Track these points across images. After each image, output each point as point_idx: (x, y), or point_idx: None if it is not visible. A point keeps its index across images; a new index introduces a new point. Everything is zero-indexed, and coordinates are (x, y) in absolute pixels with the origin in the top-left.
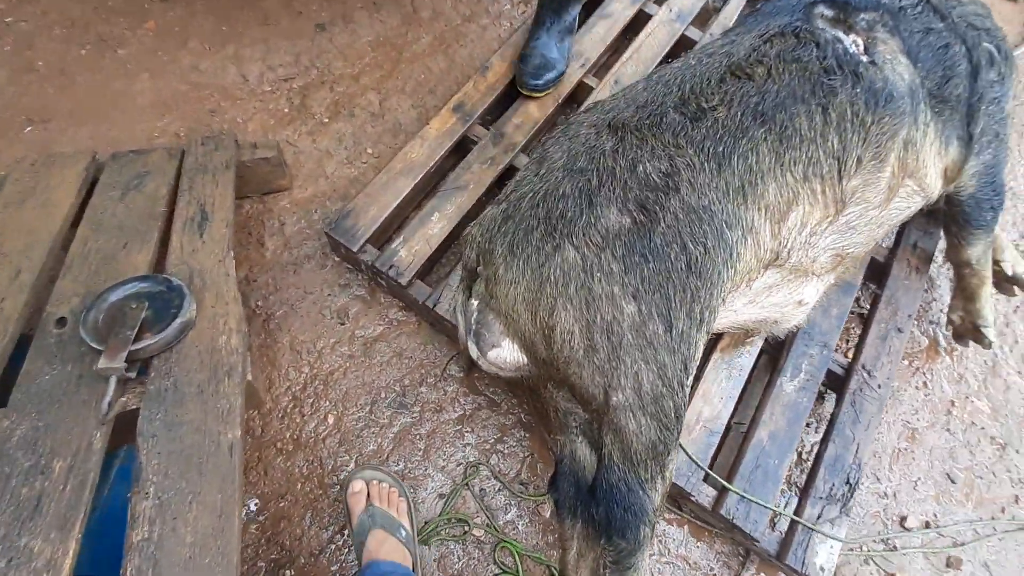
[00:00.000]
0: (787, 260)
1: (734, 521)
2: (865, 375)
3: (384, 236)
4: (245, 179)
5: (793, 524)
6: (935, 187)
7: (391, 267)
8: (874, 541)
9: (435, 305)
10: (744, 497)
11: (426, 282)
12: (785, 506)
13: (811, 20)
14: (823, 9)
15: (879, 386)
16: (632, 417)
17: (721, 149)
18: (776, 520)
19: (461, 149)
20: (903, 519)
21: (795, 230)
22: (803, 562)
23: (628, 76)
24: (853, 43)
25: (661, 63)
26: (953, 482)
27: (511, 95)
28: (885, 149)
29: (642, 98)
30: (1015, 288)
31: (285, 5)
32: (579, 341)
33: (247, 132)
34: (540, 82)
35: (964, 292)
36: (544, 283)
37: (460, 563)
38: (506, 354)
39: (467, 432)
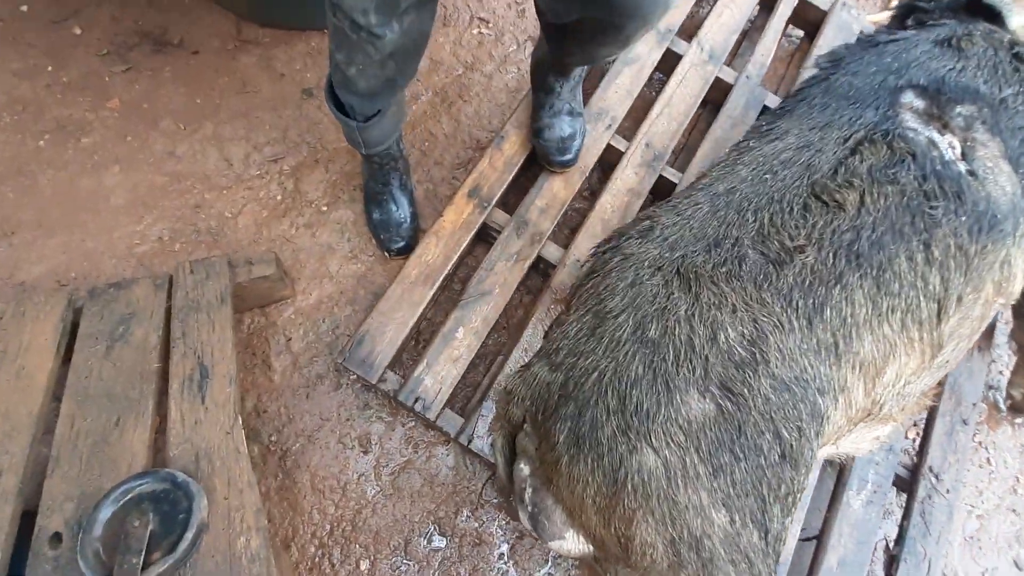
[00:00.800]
0: (879, 414)
1: None
2: (933, 479)
3: (404, 358)
4: (243, 297)
5: None
6: (1018, 292)
7: (416, 400)
8: None
9: (469, 442)
10: None
11: (456, 410)
12: None
13: (899, 114)
14: (912, 99)
15: (947, 491)
16: None
17: (812, 302)
18: None
19: (481, 239)
20: None
21: (890, 385)
22: None
23: (660, 135)
24: (950, 147)
25: (696, 115)
26: (1020, 569)
27: (531, 168)
28: (984, 280)
29: (712, 229)
30: None
31: (264, 67)
32: (662, 555)
33: (237, 229)
34: (570, 156)
35: None
36: (620, 491)
37: None
38: (570, 546)
39: (511, 566)
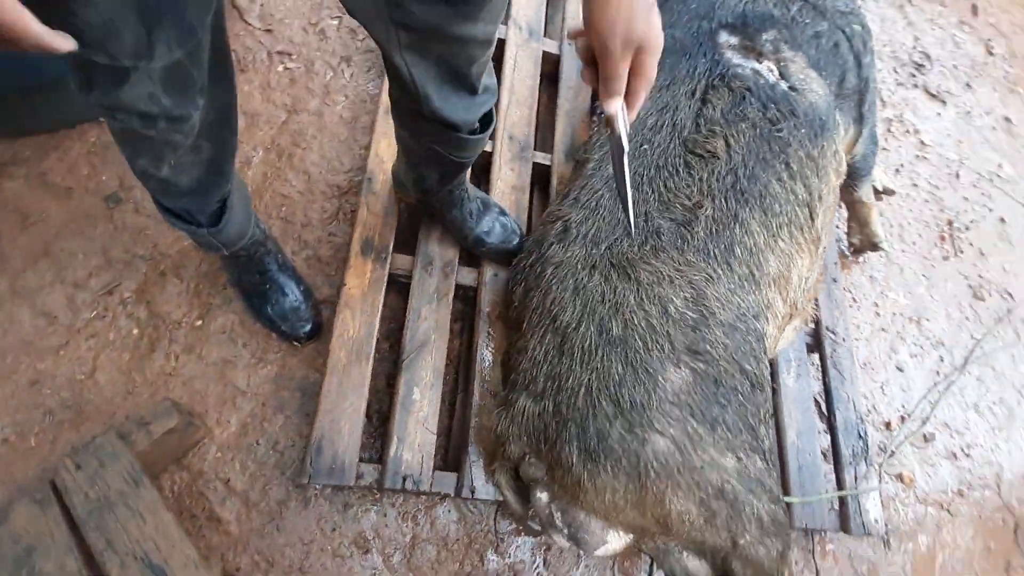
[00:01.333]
0: (796, 312)
1: (808, 528)
2: (832, 335)
3: (369, 443)
4: (152, 462)
5: (843, 499)
6: (846, 168)
7: (405, 479)
8: (879, 461)
9: (474, 493)
10: (808, 502)
11: (444, 469)
12: (829, 489)
13: (723, 55)
14: (727, 37)
15: (843, 339)
16: (761, 545)
17: (723, 247)
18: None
19: (393, 290)
20: (887, 424)
21: (797, 286)
22: (864, 525)
23: (517, 125)
24: (769, 72)
25: (539, 94)
26: (902, 371)
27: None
28: (828, 171)
29: (606, 206)
30: (884, 196)
31: (40, 187)
32: (697, 516)
33: (101, 389)
34: (515, 242)
35: (859, 220)
36: (645, 480)
37: None
38: (615, 546)
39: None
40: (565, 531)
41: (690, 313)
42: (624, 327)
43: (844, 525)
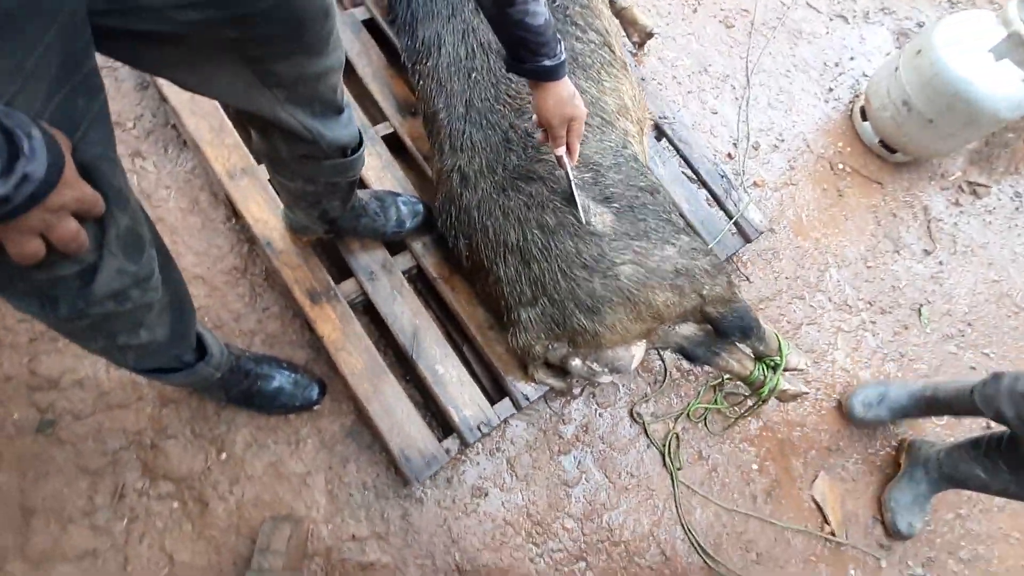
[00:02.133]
0: (643, 125)
1: (728, 255)
2: (665, 120)
3: (436, 424)
4: (292, 568)
5: (736, 223)
6: None
7: (480, 427)
8: (739, 183)
9: (528, 398)
10: (719, 239)
11: (497, 401)
12: (724, 223)
13: None
14: None
15: (673, 117)
16: (716, 286)
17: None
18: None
19: (360, 312)
20: (729, 155)
21: (633, 105)
22: (756, 229)
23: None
24: None
25: None
26: (716, 113)
27: None
28: (599, 6)
29: (494, 137)
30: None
31: None
32: (673, 296)
33: (188, 567)
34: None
35: (629, 21)
36: (634, 299)
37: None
38: (639, 353)
39: (616, 405)
40: (606, 370)
41: (587, 175)
42: (554, 215)
43: (745, 238)
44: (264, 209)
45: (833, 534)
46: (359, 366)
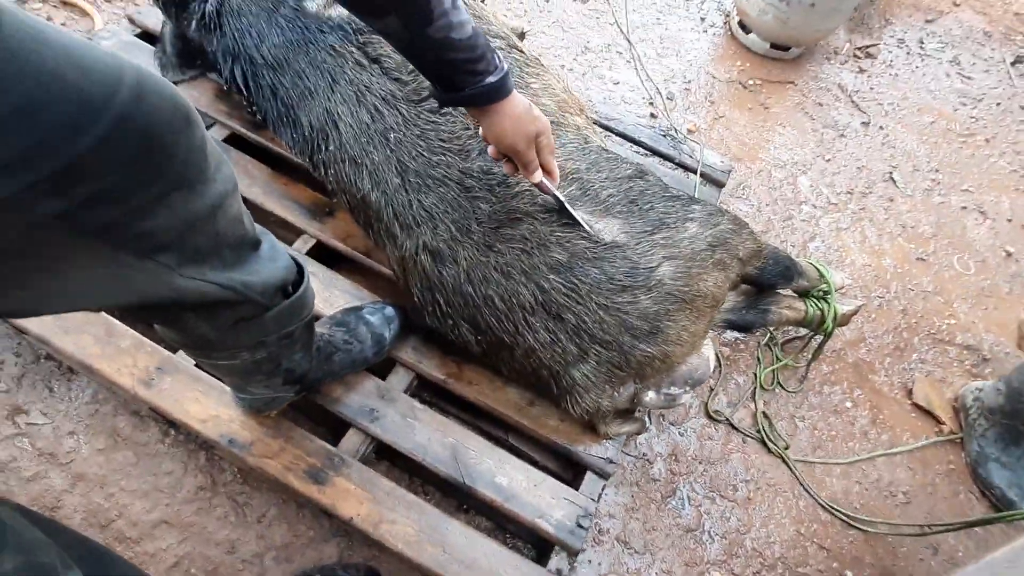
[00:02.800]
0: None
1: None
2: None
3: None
4: None
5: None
6: None
7: (580, 523)
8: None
9: (612, 462)
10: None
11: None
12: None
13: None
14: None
15: (590, 102)
16: (745, 241)
17: None
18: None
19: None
20: (652, 115)
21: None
22: (720, 171)
23: None
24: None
25: None
26: (618, 83)
27: None
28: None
29: (432, 202)
30: None
31: None
32: (717, 273)
33: None
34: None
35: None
36: (689, 298)
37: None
38: (709, 352)
39: (692, 423)
40: (686, 388)
41: (571, 189)
42: (561, 247)
43: (717, 183)
44: (207, 404)
45: (953, 432)
46: (411, 531)
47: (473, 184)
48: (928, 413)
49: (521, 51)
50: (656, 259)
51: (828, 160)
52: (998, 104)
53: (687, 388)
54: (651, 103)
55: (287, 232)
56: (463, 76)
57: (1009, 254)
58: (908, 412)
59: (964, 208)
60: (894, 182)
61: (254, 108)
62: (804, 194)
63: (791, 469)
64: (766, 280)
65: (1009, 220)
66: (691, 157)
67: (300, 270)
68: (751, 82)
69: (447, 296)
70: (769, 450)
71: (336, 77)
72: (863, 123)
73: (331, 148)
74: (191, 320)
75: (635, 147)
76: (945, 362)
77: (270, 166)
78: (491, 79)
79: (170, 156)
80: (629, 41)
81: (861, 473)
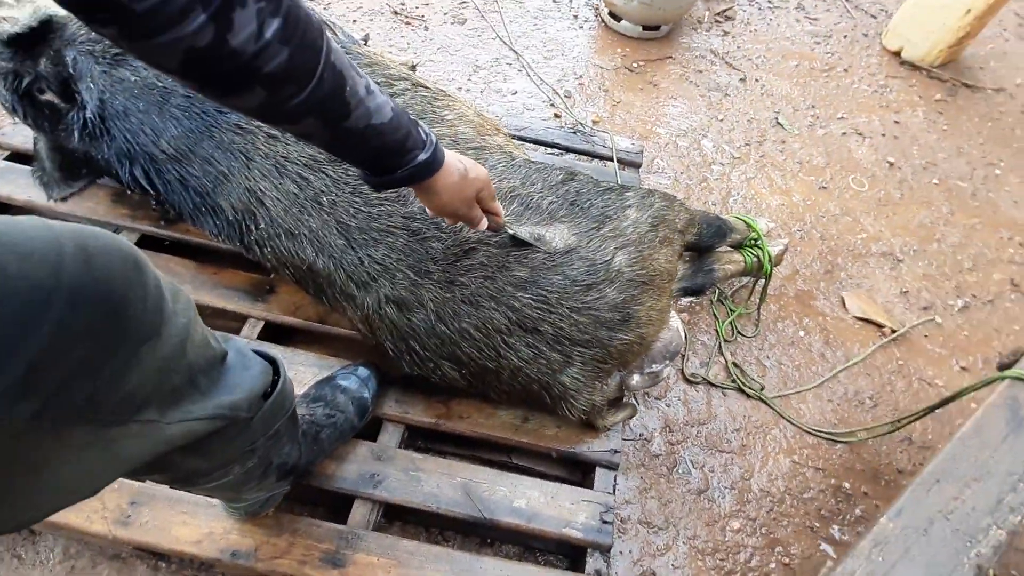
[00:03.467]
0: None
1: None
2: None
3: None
4: None
5: (617, 160)
6: None
7: (604, 516)
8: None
9: (616, 454)
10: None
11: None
12: (614, 169)
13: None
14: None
15: (497, 118)
16: (679, 213)
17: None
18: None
19: (385, 522)
20: (557, 115)
21: (480, 121)
22: (635, 156)
23: None
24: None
25: None
26: (515, 93)
27: None
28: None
29: (382, 254)
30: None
31: None
32: (667, 250)
33: None
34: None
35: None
36: (644, 280)
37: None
38: (676, 323)
39: (668, 400)
40: (665, 363)
41: (514, 207)
42: (521, 264)
43: (636, 166)
44: (195, 524)
45: (894, 330)
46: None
47: (419, 227)
48: (868, 321)
49: (426, 86)
50: (609, 251)
51: (721, 120)
52: (845, 36)
53: (667, 361)
54: (552, 104)
55: (229, 321)
56: (392, 159)
57: (891, 164)
58: (852, 325)
59: (844, 134)
60: (781, 125)
61: (166, 205)
62: (710, 155)
63: (771, 407)
64: (704, 243)
65: (883, 135)
66: (604, 147)
67: (276, 366)
68: (635, 65)
69: (422, 341)
70: (748, 396)
71: (250, 154)
72: (740, 80)
73: (262, 226)
74: (179, 459)
75: (551, 150)
76: (868, 272)
77: (192, 258)
78: (422, 156)
79: (131, 312)
80: (515, 51)
81: (830, 392)
